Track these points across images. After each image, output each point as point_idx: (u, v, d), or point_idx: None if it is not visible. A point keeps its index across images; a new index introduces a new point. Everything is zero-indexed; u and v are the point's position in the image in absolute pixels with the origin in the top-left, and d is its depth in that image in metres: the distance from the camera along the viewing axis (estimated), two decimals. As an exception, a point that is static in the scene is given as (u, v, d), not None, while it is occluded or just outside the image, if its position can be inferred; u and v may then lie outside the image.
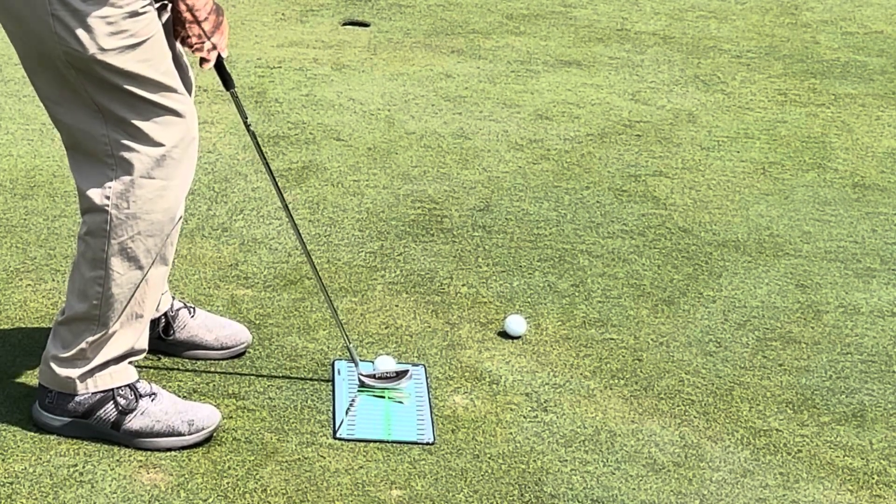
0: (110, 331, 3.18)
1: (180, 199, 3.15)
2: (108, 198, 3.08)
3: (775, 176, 5.09)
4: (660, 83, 6.05)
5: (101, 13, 2.93)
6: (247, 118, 3.38)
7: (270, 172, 3.45)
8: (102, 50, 2.95)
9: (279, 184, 4.74)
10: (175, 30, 3.16)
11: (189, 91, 3.31)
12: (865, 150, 5.38)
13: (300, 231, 3.48)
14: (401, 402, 3.51)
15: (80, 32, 2.93)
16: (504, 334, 3.84)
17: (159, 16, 3.12)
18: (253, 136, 3.38)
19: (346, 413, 3.43)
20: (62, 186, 4.60)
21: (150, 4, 3.02)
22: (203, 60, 3.20)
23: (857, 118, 5.73)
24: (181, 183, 3.14)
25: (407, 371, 3.55)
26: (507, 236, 4.47)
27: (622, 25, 6.88)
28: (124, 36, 2.97)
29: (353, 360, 3.57)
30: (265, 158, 3.43)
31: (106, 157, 3.06)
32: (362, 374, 3.54)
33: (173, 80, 3.09)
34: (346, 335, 3.56)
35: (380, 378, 3.54)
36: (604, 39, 6.64)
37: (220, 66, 3.25)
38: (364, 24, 6.70)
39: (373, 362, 3.64)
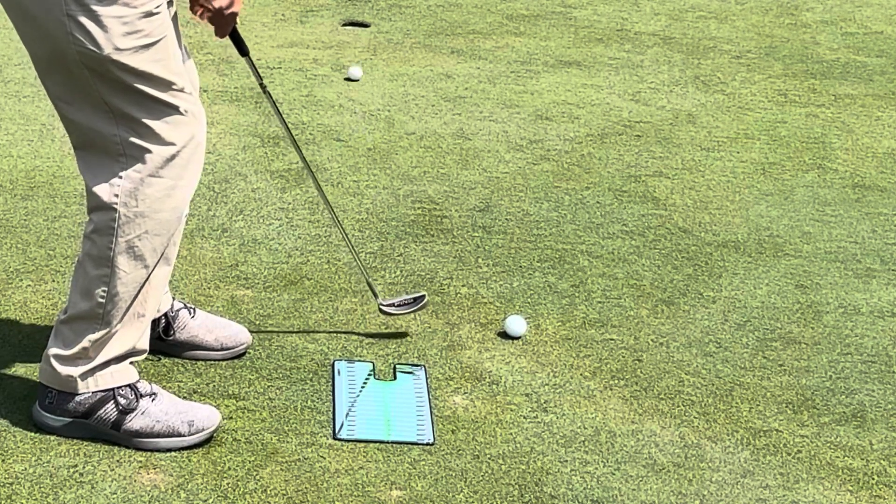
0: (113, 330, 3.18)
1: (187, 199, 3.16)
2: (116, 196, 3.09)
3: (775, 176, 5.09)
4: (660, 84, 6.05)
5: (116, 13, 2.94)
6: (262, 79, 3.58)
7: (288, 129, 3.69)
8: (118, 50, 2.96)
9: (279, 184, 4.76)
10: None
11: (195, 88, 3.33)
12: (865, 151, 5.38)
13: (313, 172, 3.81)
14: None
15: (97, 32, 2.94)
16: (504, 335, 3.84)
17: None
18: (269, 96, 3.59)
19: (346, 414, 3.43)
20: (62, 187, 4.60)
21: (163, 4, 3.03)
22: (218, 30, 3.22)
23: (857, 118, 5.73)
24: (189, 183, 3.15)
25: (423, 296, 3.80)
26: (507, 237, 4.47)
27: (622, 26, 6.88)
28: (139, 36, 2.98)
29: (372, 292, 3.83)
30: (282, 116, 3.67)
31: (118, 155, 3.07)
32: (382, 305, 3.78)
33: (183, 80, 3.11)
34: (364, 269, 3.86)
35: (399, 306, 3.79)
36: (604, 40, 6.64)
37: (233, 32, 3.34)
38: (364, 25, 6.70)
39: (372, 363, 3.65)
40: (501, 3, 7.16)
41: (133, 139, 3.06)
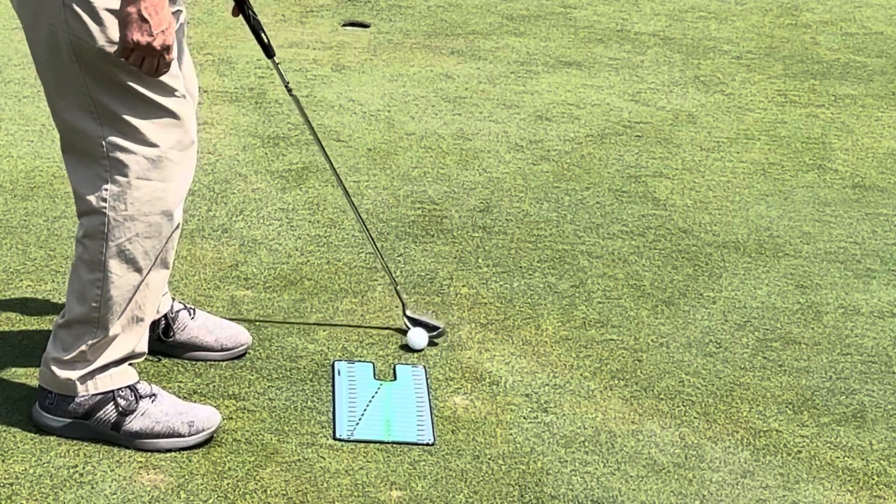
0: (110, 333, 3.18)
1: (178, 202, 3.14)
2: (104, 200, 3.07)
3: (775, 177, 5.09)
4: (660, 84, 6.05)
5: (112, 6, 2.93)
6: (288, 83, 3.64)
7: (313, 131, 3.74)
8: (111, 42, 2.95)
9: (279, 185, 4.76)
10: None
11: (193, 98, 3.32)
12: (865, 151, 5.38)
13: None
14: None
15: (91, 24, 2.93)
16: (407, 347, 3.76)
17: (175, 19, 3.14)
18: (296, 100, 3.68)
19: (346, 414, 3.43)
20: (62, 188, 4.60)
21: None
22: (147, 67, 2.93)
23: (856, 119, 5.73)
24: (179, 185, 3.13)
25: (442, 330, 3.80)
26: (508, 237, 4.47)
27: (622, 26, 6.88)
28: None
29: (400, 300, 3.84)
30: (308, 118, 3.72)
31: (101, 158, 3.06)
32: (407, 313, 3.80)
33: (175, 81, 3.09)
34: (391, 273, 3.87)
35: (418, 322, 3.78)
36: (604, 40, 6.64)
37: (258, 36, 3.53)
38: (364, 25, 6.70)
39: (372, 363, 3.65)
40: (501, 3, 7.16)
41: (117, 140, 3.04)
